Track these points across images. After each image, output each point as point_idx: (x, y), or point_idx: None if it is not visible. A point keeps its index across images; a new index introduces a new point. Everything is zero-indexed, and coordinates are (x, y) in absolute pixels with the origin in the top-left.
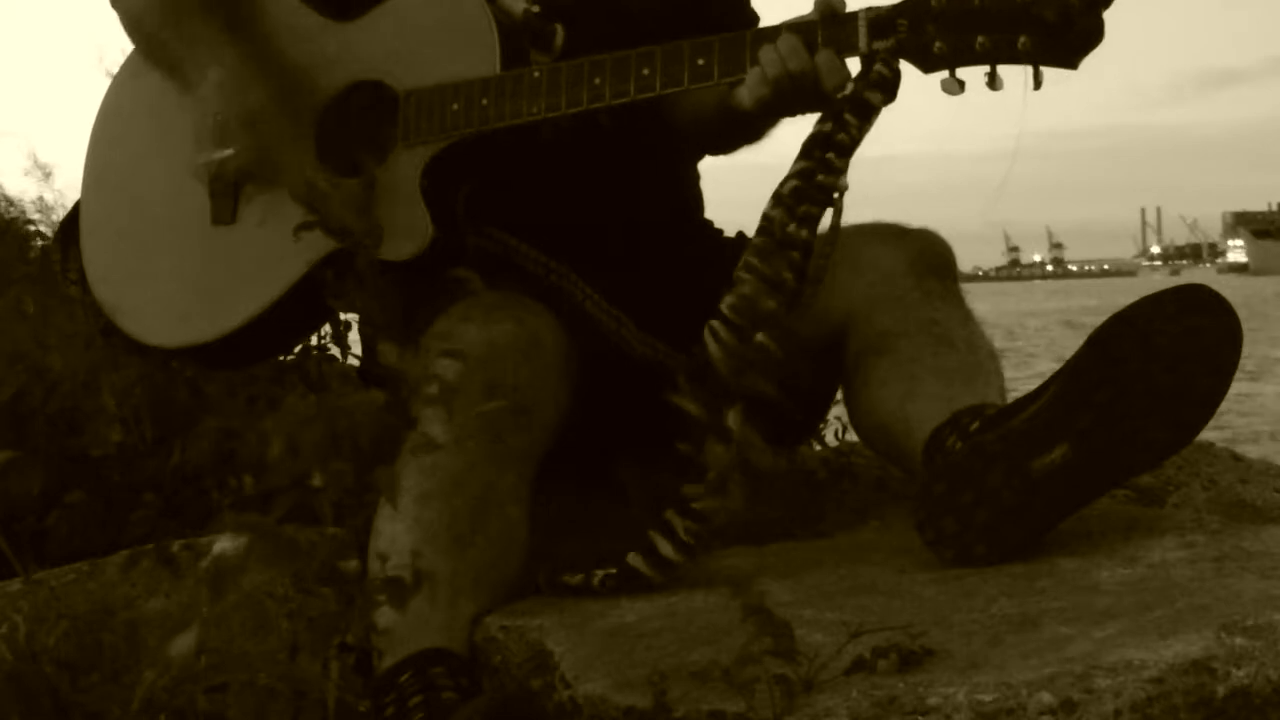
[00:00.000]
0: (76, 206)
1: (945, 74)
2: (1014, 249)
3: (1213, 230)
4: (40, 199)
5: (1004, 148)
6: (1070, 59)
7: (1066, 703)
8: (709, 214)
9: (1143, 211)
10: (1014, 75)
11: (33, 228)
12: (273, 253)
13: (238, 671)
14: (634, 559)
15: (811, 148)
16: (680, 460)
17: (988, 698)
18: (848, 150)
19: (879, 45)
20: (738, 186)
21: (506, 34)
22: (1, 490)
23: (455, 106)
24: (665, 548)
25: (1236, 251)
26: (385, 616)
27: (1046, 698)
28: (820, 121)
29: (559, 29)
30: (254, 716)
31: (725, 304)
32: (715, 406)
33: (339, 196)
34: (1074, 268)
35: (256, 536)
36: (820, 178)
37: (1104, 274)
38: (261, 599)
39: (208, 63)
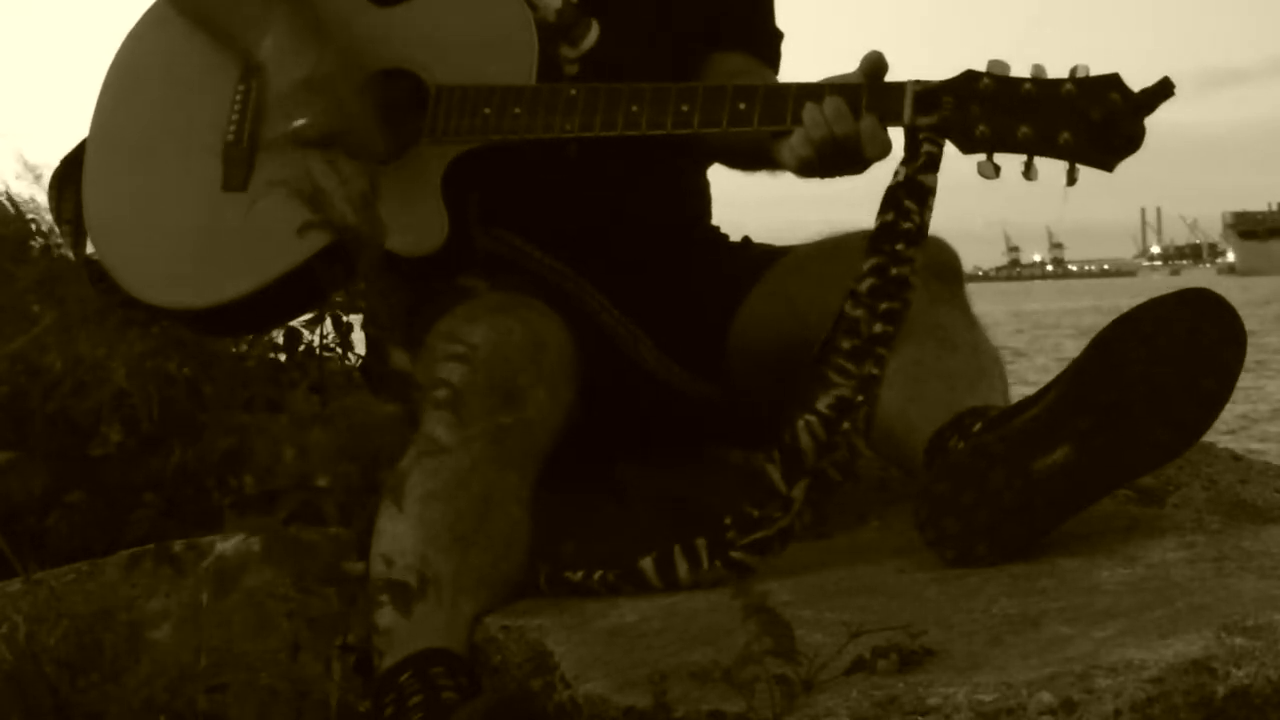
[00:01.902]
0: (80, 148)
1: (983, 156)
2: (1014, 249)
3: (1213, 230)
4: (32, 199)
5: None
6: (1107, 161)
7: (1066, 703)
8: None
9: (1143, 211)
10: (1048, 165)
11: (34, 227)
12: (279, 229)
13: (239, 671)
14: (645, 564)
15: (880, 241)
16: (719, 490)
17: (988, 698)
18: (915, 238)
19: (922, 120)
20: (738, 187)
21: (541, 35)
22: (1, 490)
23: (487, 110)
24: (682, 569)
25: None
26: (386, 617)
27: (1046, 698)
28: (882, 212)
29: (594, 24)
30: (256, 716)
31: (822, 404)
32: (790, 480)
33: (343, 194)
34: (1074, 268)
35: (264, 537)
36: (894, 270)
37: (1104, 274)
38: (263, 599)
39: (261, 24)
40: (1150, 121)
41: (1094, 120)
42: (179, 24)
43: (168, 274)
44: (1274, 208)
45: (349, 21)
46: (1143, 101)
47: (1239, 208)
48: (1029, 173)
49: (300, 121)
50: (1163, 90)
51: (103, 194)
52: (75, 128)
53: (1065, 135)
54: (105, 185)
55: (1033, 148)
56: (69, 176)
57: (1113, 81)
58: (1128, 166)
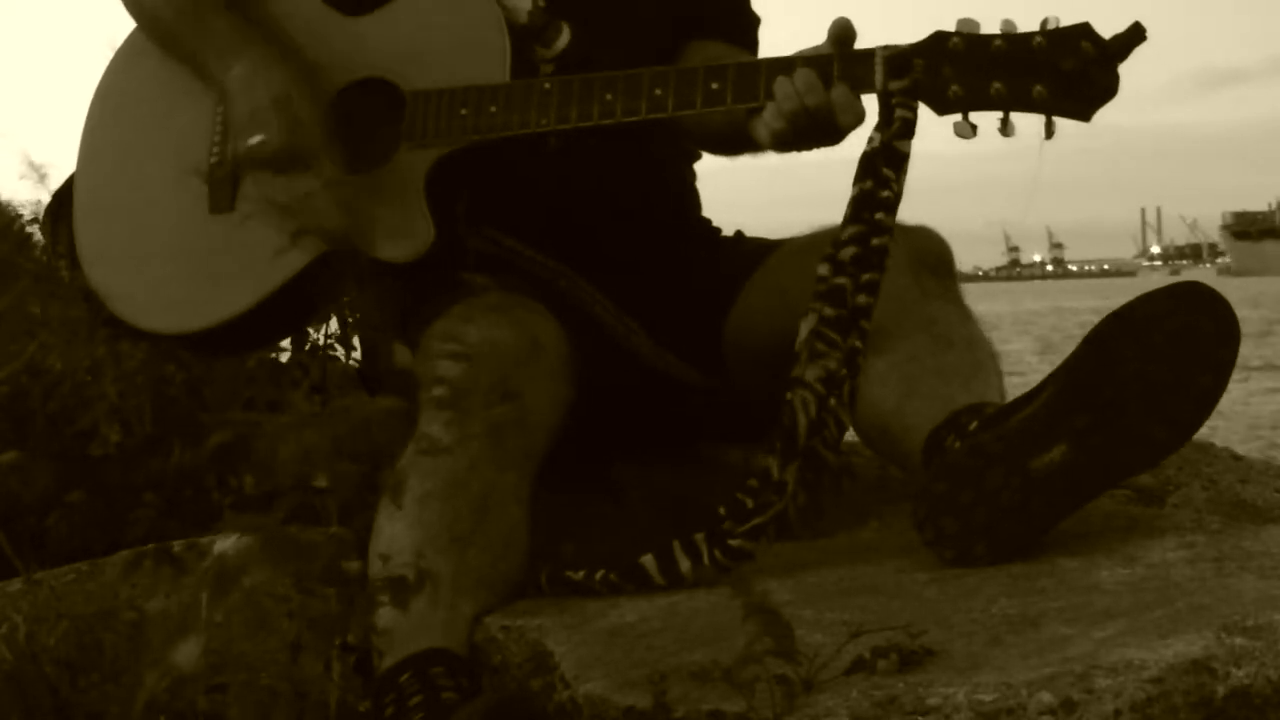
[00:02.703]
0: (69, 182)
1: (958, 117)
2: (1014, 249)
3: (1213, 230)
4: (38, 202)
5: (1004, 148)
6: (1084, 111)
7: (1066, 703)
8: (704, 213)
9: (1143, 211)
10: (1025, 121)
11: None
12: (269, 246)
13: (239, 672)
14: (647, 561)
15: (860, 209)
16: (714, 482)
17: (988, 698)
18: (894, 206)
19: (895, 85)
20: (738, 190)
21: (514, 37)
22: (1, 490)
23: (463, 111)
24: (684, 564)
25: None
26: (385, 617)
27: (1046, 698)
28: (859, 179)
29: (565, 27)
30: (256, 717)
31: (811, 376)
32: (783, 463)
33: (334, 199)
34: (1074, 268)
35: (260, 537)
36: (875, 241)
37: (1104, 274)
38: (262, 599)
39: (228, 56)
40: (1150, 121)
41: (1067, 71)
42: (157, 52)
43: (167, 300)
44: (1273, 207)
45: (321, 34)
46: (1115, 49)
47: (1239, 208)
48: (1005, 129)
49: (255, 140)
50: (1134, 36)
51: (93, 226)
52: (78, 129)
53: (1038, 89)
54: (95, 217)
55: (1007, 104)
56: (61, 211)
57: (1083, 31)
58: (1128, 166)
